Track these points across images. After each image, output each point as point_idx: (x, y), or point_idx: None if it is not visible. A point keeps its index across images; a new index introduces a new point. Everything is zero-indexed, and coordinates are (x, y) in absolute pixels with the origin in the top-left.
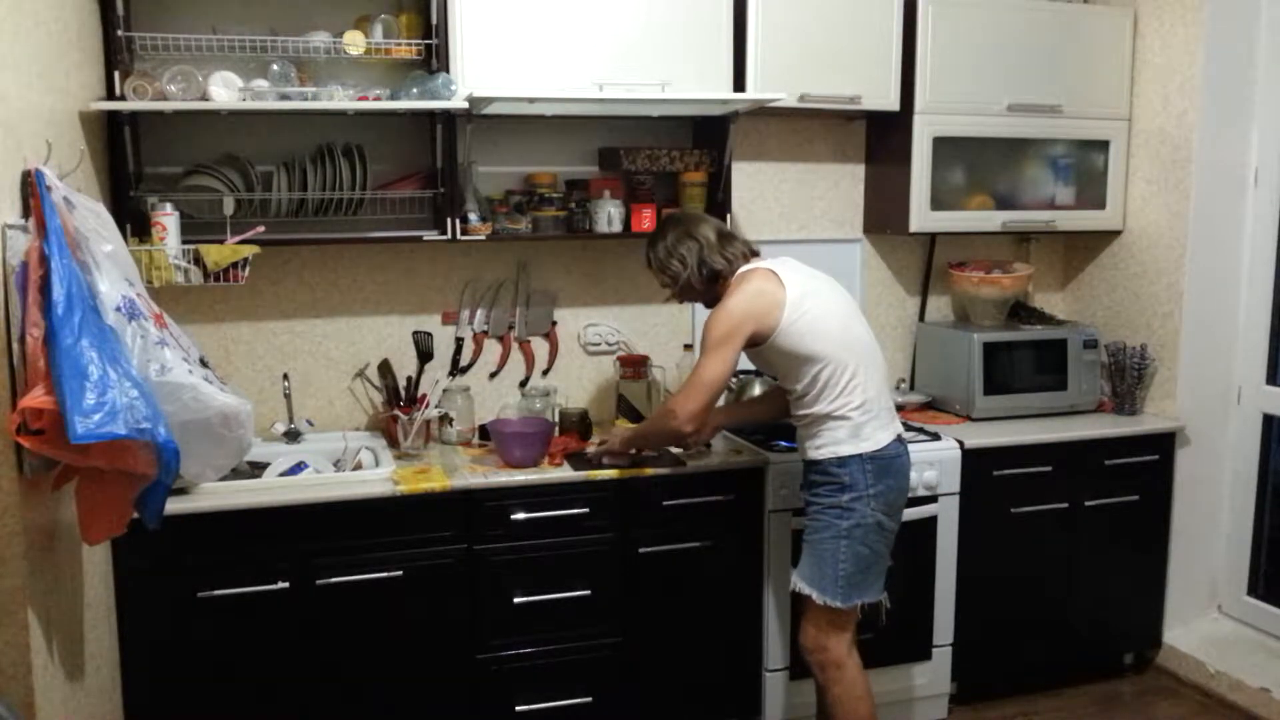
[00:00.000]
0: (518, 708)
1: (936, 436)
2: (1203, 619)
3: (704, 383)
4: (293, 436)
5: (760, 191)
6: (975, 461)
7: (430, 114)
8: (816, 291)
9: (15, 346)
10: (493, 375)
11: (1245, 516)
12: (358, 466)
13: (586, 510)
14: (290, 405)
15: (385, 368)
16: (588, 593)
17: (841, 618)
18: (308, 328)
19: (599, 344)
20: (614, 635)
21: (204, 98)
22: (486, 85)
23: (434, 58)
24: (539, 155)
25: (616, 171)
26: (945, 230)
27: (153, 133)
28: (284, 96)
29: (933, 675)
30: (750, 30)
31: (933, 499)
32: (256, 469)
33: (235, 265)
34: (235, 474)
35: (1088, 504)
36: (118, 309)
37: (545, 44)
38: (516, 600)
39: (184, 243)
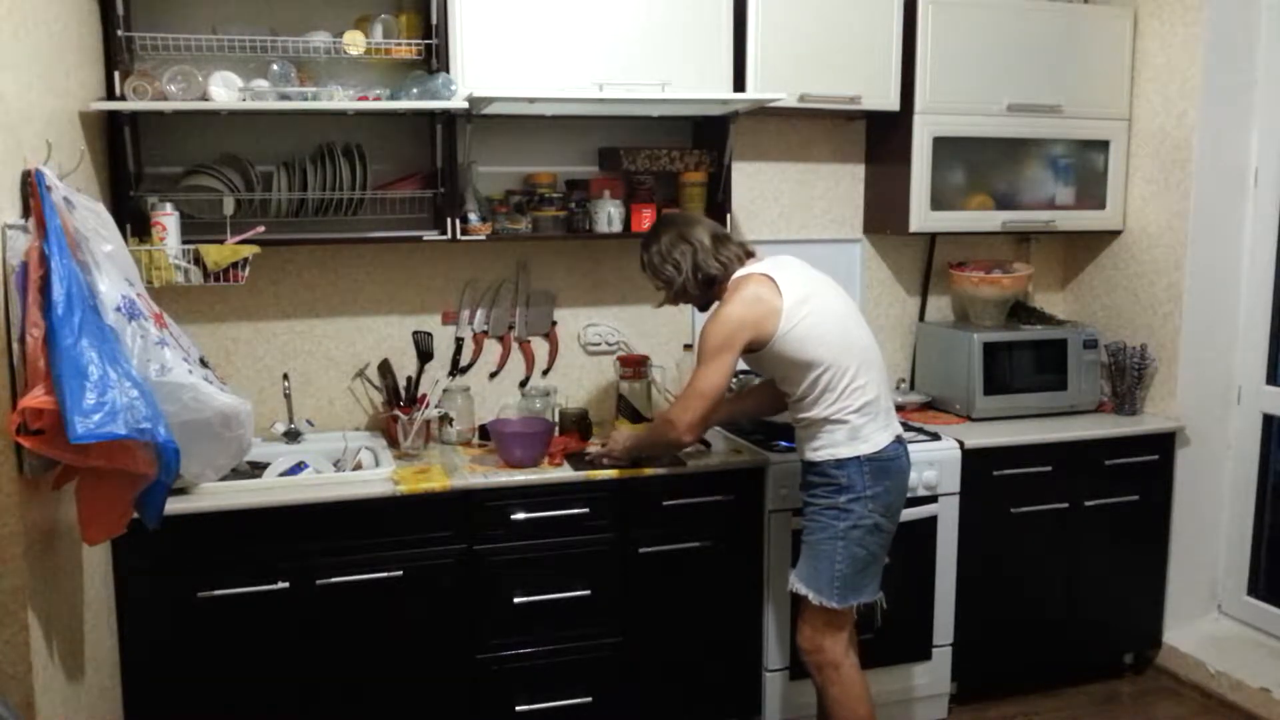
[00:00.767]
0: (518, 708)
1: (936, 436)
2: (1203, 619)
3: (701, 392)
4: (293, 436)
5: (760, 192)
6: (975, 461)
7: (430, 114)
8: (814, 295)
9: (15, 346)
10: (493, 375)
11: (1245, 516)
12: (358, 466)
13: (586, 510)
14: (290, 405)
15: (385, 368)
16: (588, 593)
17: (838, 618)
18: (308, 328)
19: (599, 344)
20: (614, 635)
21: (204, 98)
22: (486, 85)
23: (434, 58)
24: (539, 155)
25: (616, 171)
26: (945, 230)
27: (153, 133)
28: (284, 96)
29: (933, 675)
30: (750, 30)
31: (933, 499)
32: (256, 469)
33: (235, 265)
34: (235, 474)
35: (1088, 504)
36: (118, 309)
37: (545, 44)
38: (516, 600)
39: (184, 243)
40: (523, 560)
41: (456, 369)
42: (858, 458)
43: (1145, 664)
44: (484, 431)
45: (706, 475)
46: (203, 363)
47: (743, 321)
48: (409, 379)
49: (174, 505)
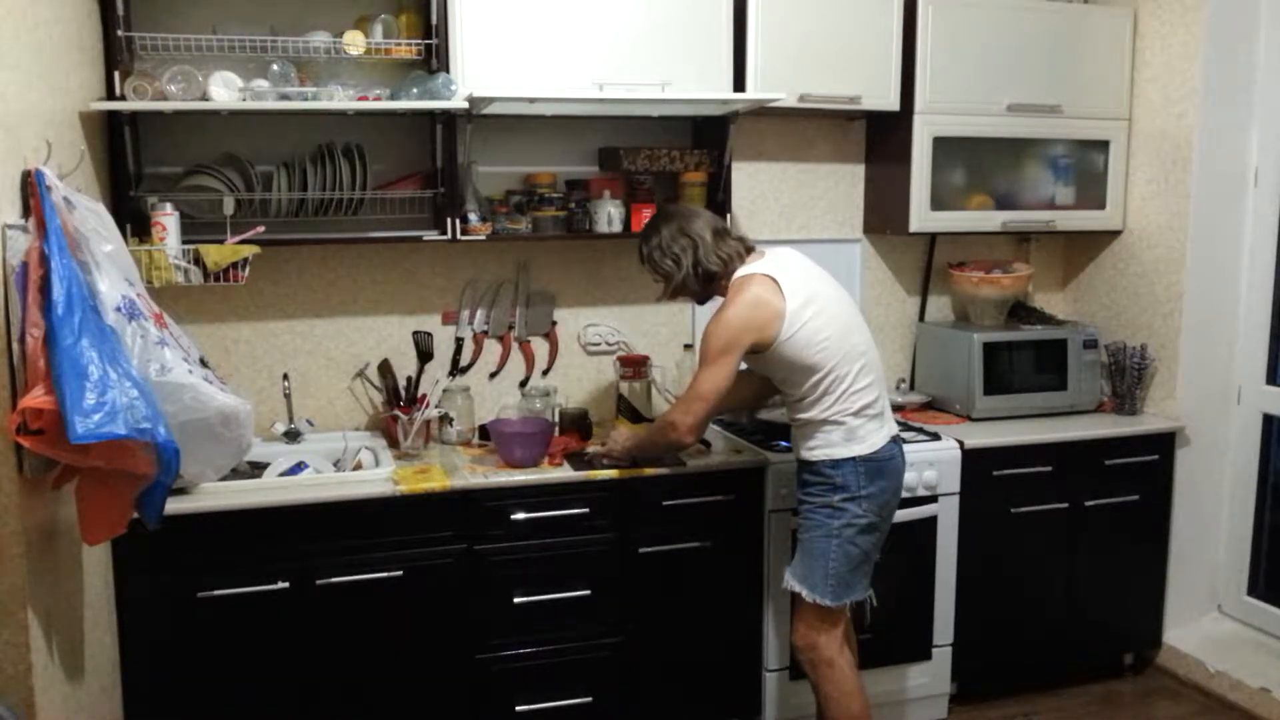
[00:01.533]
0: (518, 708)
1: (936, 436)
2: (1203, 619)
3: (703, 395)
4: (293, 436)
5: (760, 191)
6: (975, 461)
7: (430, 114)
8: (816, 298)
9: (15, 346)
10: (493, 375)
11: (1245, 516)
12: (358, 466)
13: (586, 510)
14: (290, 405)
15: (385, 368)
16: (588, 593)
17: (832, 615)
18: (308, 328)
19: (599, 344)
20: (614, 635)
21: (204, 98)
22: (486, 85)
23: (434, 58)
24: (539, 155)
25: (616, 171)
26: (945, 230)
27: (153, 133)
28: (284, 96)
29: (933, 675)
30: (750, 30)
31: (933, 499)
32: (256, 469)
33: (235, 265)
34: (235, 474)
35: (1088, 504)
36: (118, 309)
37: (545, 44)
38: (516, 600)
39: (184, 243)
40: (523, 560)
41: (456, 369)
42: (853, 458)
43: (1145, 664)
44: (484, 431)
45: (706, 475)
46: (203, 363)
47: (746, 325)
48: (409, 379)
49: (174, 505)
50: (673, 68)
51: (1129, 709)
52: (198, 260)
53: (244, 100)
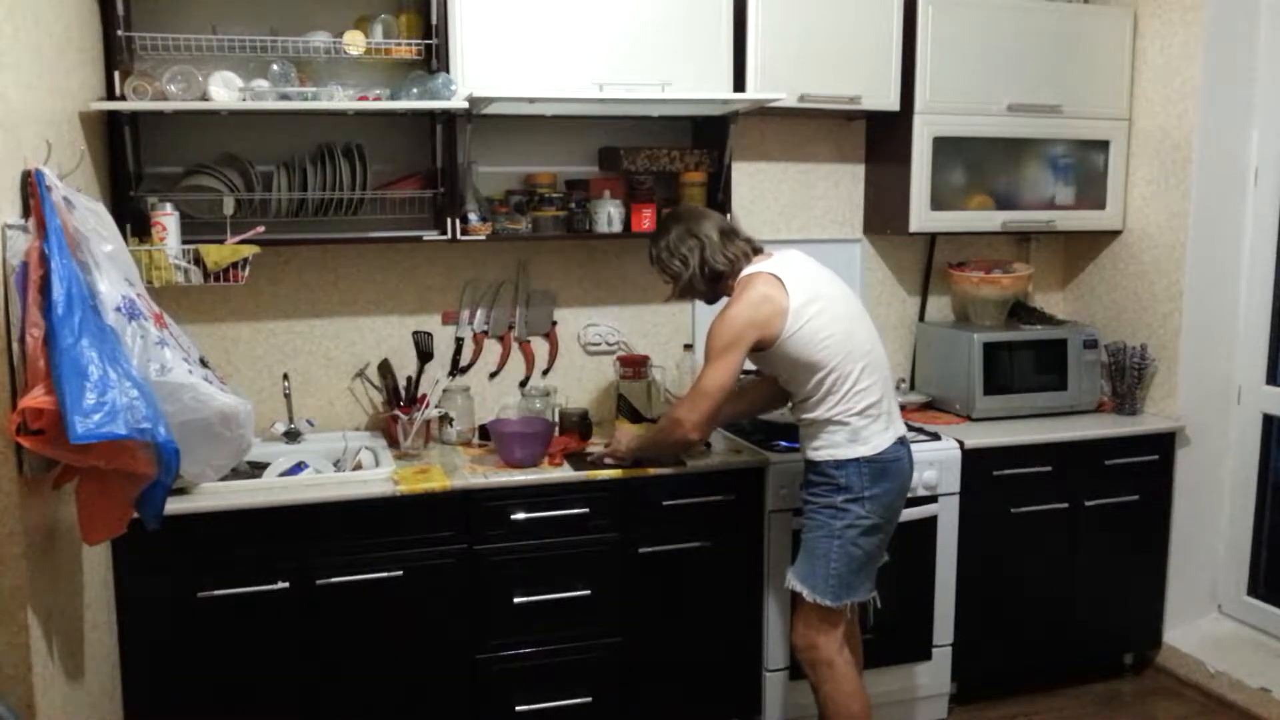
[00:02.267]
0: (518, 708)
1: (936, 436)
2: (1203, 619)
3: (707, 391)
4: (293, 436)
5: (760, 191)
6: (975, 461)
7: (430, 114)
8: (820, 296)
9: (15, 346)
10: (493, 375)
11: (1245, 516)
12: (358, 466)
13: (586, 510)
14: (290, 405)
15: (385, 368)
16: (588, 593)
17: (832, 616)
18: (308, 328)
19: (599, 344)
20: (614, 635)
21: (204, 98)
22: (486, 85)
23: (434, 58)
24: (539, 155)
25: (616, 171)
26: (945, 230)
27: (153, 133)
28: (284, 96)
29: (933, 675)
30: (750, 30)
31: (933, 499)
32: (256, 469)
33: (235, 265)
34: (235, 474)
35: (1088, 504)
36: (118, 309)
37: (545, 44)
38: (516, 600)
39: (184, 243)
40: (523, 560)
41: (456, 369)
42: (857, 459)
43: (1145, 664)
44: (484, 431)
45: (706, 475)
46: (203, 363)
47: (750, 321)
48: (409, 379)
49: (174, 505)
50: (673, 68)
51: (1129, 709)
52: (198, 260)
53: (244, 100)
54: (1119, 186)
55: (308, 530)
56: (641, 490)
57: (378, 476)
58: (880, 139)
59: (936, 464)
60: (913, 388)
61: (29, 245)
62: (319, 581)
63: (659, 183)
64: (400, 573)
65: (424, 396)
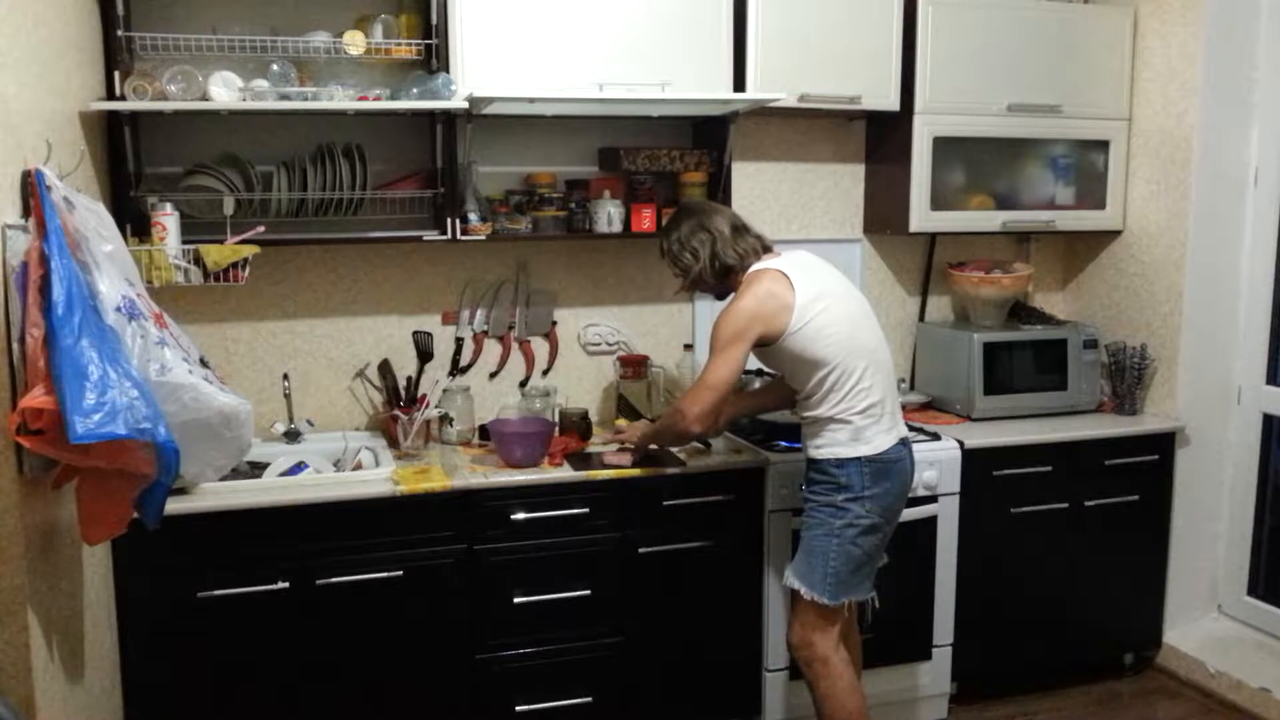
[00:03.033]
0: (518, 708)
1: (936, 436)
2: (1203, 619)
3: (711, 384)
4: (293, 436)
5: (760, 191)
6: (975, 461)
7: (430, 114)
8: (826, 295)
9: (15, 346)
10: (493, 375)
11: (1245, 516)
12: (358, 466)
13: (586, 510)
14: (290, 405)
15: (385, 368)
16: (588, 593)
17: (829, 614)
18: (308, 328)
19: (599, 344)
20: (614, 635)
21: (204, 98)
22: (486, 85)
23: (434, 58)
24: (539, 155)
25: (616, 171)
26: (945, 230)
27: (153, 133)
28: (284, 96)
29: (933, 675)
30: (750, 30)
31: (933, 499)
32: (256, 469)
33: (235, 265)
34: (235, 474)
35: (1088, 504)
36: (118, 309)
37: (545, 44)
38: (516, 600)
39: (184, 243)
40: (523, 560)
41: (456, 369)
42: (858, 458)
43: (1145, 664)
44: (484, 431)
45: (706, 475)
46: (203, 363)
47: (755, 315)
48: (409, 379)
49: (174, 505)
50: (673, 68)
51: (1129, 709)
52: (198, 260)
53: (244, 100)
54: (1119, 186)
55: (308, 530)
56: (641, 490)
57: (378, 476)
58: (880, 139)
59: (936, 464)
60: (913, 388)
61: (29, 245)
62: (319, 581)
63: (659, 183)
64: (400, 573)
65: (424, 396)
